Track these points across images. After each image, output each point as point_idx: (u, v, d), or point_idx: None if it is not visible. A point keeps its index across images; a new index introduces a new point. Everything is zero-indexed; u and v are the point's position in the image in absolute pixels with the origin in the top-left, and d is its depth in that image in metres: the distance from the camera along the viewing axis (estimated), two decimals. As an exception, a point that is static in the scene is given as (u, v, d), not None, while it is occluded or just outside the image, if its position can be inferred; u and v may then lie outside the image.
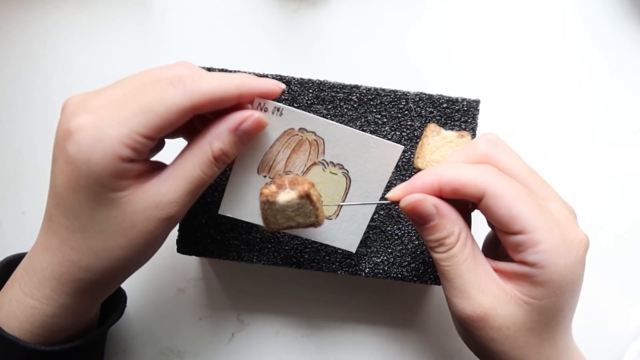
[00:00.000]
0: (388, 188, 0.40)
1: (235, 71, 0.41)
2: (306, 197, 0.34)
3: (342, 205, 0.38)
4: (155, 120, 0.30)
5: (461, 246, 0.33)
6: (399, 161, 0.41)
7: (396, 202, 0.34)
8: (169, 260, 0.47)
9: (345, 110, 0.41)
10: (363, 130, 0.41)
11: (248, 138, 0.34)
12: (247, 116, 0.33)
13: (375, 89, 0.41)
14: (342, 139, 0.36)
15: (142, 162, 0.32)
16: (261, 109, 0.34)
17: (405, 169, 0.41)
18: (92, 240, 0.31)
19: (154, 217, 0.32)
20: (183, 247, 0.42)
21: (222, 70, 0.41)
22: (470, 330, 0.33)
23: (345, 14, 0.49)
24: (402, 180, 0.41)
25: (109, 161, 0.30)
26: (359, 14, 0.48)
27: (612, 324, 0.47)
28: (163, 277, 0.47)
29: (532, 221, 0.31)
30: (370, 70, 0.48)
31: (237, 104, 0.33)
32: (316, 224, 0.36)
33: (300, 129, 0.36)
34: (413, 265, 0.41)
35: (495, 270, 0.33)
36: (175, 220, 0.33)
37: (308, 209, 0.35)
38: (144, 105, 0.30)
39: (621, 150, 0.47)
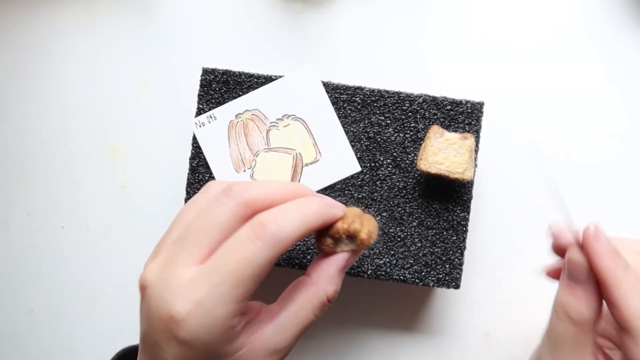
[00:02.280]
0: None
1: (238, 72, 0.41)
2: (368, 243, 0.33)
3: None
4: (252, 285, 0.30)
5: (576, 335, 0.31)
6: (402, 163, 0.41)
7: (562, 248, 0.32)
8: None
9: (349, 111, 0.41)
10: (366, 133, 0.41)
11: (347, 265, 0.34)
12: (346, 259, 0.33)
13: (379, 91, 0.41)
14: (269, 96, 0.41)
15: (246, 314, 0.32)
16: (202, 125, 0.41)
17: (408, 171, 0.41)
18: None
19: None
20: (186, 247, 0.42)
21: (225, 71, 0.41)
22: None
23: (349, 16, 0.49)
24: (405, 181, 0.41)
25: (224, 335, 0.30)
26: (362, 15, 0.49)
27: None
28: (166, 278, 0.48)
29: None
30: (374, 71, 0.48)
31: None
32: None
33: (236, 116, 0.41)
34: (415, 267, 0.41)
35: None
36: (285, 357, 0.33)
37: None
38: (238, 275, 0.29)
39: (626, 151, 0.47)
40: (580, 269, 0.30)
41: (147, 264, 0.32)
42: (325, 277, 0.33)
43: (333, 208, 0.33)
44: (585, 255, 0.30)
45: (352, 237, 0.33)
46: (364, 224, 0.33)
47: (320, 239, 0.33)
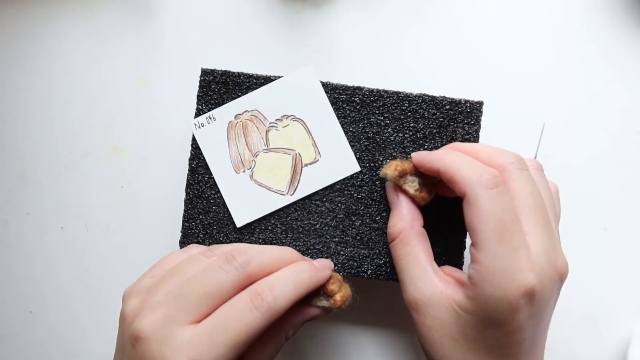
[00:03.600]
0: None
1: (237, 73, 0.41)
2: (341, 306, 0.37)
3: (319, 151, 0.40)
4: (244, 349, 0.32)
5: (400, 243, 0.37)
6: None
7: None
8: (172, 261, 0.47)
9: (348, 112, 0.41)
10: (365, 133, 0.41)
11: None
12: (315, 314, 0.37)
13: (378, 91, 0.41)
14: (268, 97, 0.41)
15: None
16: (201, 126, 0.41)
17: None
18: None
19: None
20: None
21: (224, 72, 0.41)
22: (412, 319, 0.37)
23: (348, 16, 0.49)
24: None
25: None
26: (362, 15, 0.49)
27: (613, 327, 0.46)
28: (166, 278, 0.48)
29: (485, 241, 0.33)
30: (373, 71, 0.48)
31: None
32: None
33: (235, 117, 0.41)
34: (415, 267, 0.41)
35: (446, 273, 0.37)
36: None
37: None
38: (236, 340, 0.31)
39: (626, 151, 0.47)
40: (389, 194, 0.39)
41: (138, 310, 0.34)
42: (291, 323, 0.36)
43: (321, 271, 0.36)
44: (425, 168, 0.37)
45: (327, 295, 0.36)
46: (341, 289, 0.37)
47: None
